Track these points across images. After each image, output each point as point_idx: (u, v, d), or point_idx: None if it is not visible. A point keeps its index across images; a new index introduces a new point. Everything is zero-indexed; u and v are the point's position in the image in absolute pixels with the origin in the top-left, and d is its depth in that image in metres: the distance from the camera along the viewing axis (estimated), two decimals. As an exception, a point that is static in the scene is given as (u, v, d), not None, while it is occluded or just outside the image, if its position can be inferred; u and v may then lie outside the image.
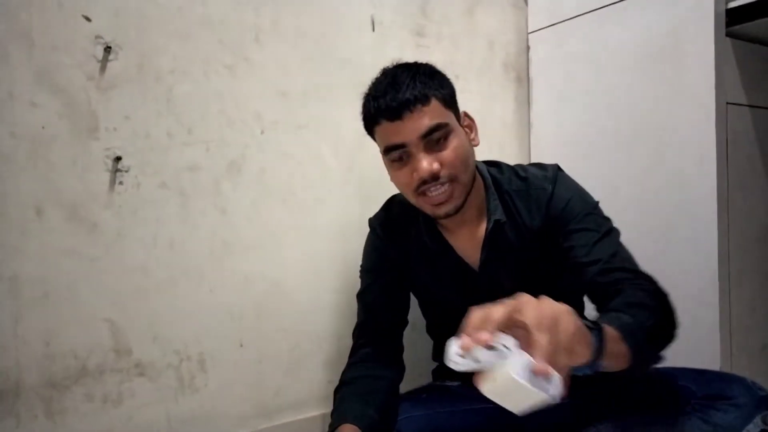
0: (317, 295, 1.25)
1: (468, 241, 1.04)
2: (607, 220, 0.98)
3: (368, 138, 1.31)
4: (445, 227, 1.06)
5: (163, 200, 1.07)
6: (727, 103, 1.20)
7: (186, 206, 1.10)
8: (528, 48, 1.60)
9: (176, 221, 1.09)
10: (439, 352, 1.21)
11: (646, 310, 0.79)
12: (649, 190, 1.31)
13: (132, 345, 1.04)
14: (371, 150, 1.32)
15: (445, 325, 1.14)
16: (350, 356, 1.10)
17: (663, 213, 1.25)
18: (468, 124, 1.00)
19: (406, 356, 1.13)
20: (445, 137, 0.92)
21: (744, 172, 1.24)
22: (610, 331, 0.70)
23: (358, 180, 1.31)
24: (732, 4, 1.19)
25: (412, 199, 0.98)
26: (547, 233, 1.00)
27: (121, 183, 1.03)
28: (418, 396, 1.09)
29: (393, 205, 1.13)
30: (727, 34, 1.20)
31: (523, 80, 1.62)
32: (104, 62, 1.01)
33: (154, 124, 1.06)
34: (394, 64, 0.99)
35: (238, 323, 1.15)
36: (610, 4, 1.37)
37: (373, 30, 1.34)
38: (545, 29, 1.55)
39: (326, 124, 1.27)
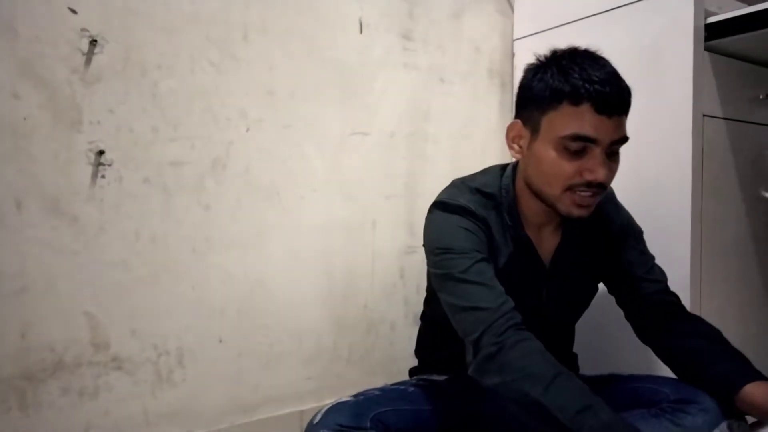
0: (299, 292, 1.26)
1: (545, 241, 1.04)
2: None
3: (354, 137, 1.34)
4: (528, 220, 1.02)
5: (145, 195, 1.07)
6: (704, 115, 1.23)
7: (169, 202, 1.10)
8: (513, 54, 1.62)
9: (159, 216, 1.09)
10: (431, 341, 1.19)
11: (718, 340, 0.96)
12: (625, 198, 1.33)
13: (110, 339, 1.04)
14: (356, 151, 1.34)
15: None
16: (520, 350, 0.84)
17: (638, 220, 1.28)
18: None
19: (385, 354, 1.13)
20: (618, 151, 0.92)
21: (718, 182, 1.27)
22: None
23: (341, 180, 1.32)
24: (711, 20, 1.22)
25: (556, 191, 0.91)
26: (604, 250, 1.06)
27: (103, 177, 1.03)
28: (405, 388, 1.08)
29: (467, 189, 1.01)
30: (706, 48, 1.23)
31: (507, 86, 1.64)
32: (89, 55, 1.01)
33: (139, 118, 1.06)
34: (584, 49, 0.92)
35: (218, 319, 1.15)
36: (592, 15, 1.39)
37: (361, 32, 1.35)
38: (530, 37, 1.57)
39: (312, 124, 1.27)
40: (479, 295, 0.89)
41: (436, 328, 1.18)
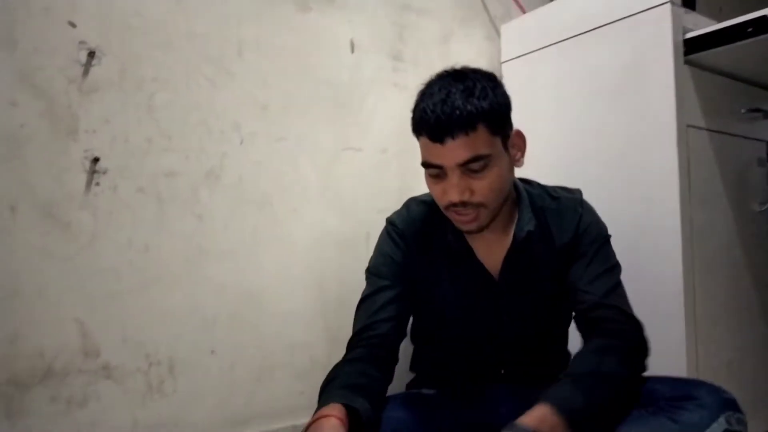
0: (291, 305, 1.25)
1: (491, 249, 1.05)
2: (614, 256, 1.05)
3: (346, 152, 1.36)
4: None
5: (139, 204, 1.08)
6: (688, 125, 1.26)
7: (162, 211, 1.11)
8: (501, 77, 1.66)
9: (152, 226, 1.09)
10: (420, 361, 1.20)
11: (614, 359, 0.91)
12: (615, 209, 1.34)
13: (101, 347, 1.03)
14: (348, 164, 1.36)
15: (441, 335, 1.14)
16: (343, 358, 1.02)
17: (629, 230, 1.29)
18: (517, 143, 1.00)
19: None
20: (484, 167, 0.91)
21: (705, 190, 1.29)
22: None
23: (334, 194, 1.33)
24: (689, 35, 1.27)
25: (443, 210, 0.99)
26: (568, 253, 1.05)
27: (97, 184, 1.04)
28: (394, 399, 1.08)
29: (414, 204, 1.11)
30: (686, 62, 1.27)
31: (497, 107, 1.67)
32: (87, 66, 1.04)
33: (134, 129, 1.08)
34: (454, 68, 0.96)
35: (210, 330, 1.15)
36: (574, 36, 1.44)
37: (352, 52, 1.39)
38: (516, 59, 1.62)
39: (305, 138, 1.30)
40: (357, 319, 1.06)
41: (420, 346, 1.19)
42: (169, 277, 1.11)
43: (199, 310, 1.14)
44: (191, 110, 1.15)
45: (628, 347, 0.95)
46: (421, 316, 1.16)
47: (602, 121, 1.38)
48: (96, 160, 1.03)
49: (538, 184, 1.12)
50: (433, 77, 0.97)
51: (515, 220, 1.05)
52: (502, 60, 1.66)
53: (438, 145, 0.90)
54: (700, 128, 1.30)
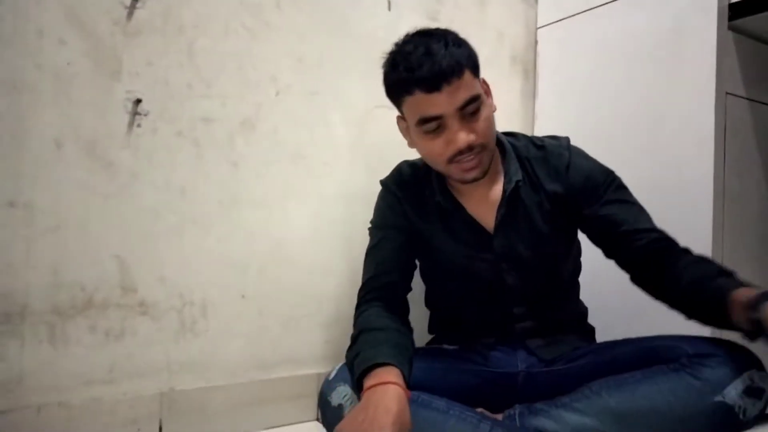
0: (319, 257, 1.28)
1: (481, 203, 1.07)
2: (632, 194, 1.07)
3: (378, 110, 1.37)
4: (457, 189, 1.09)
5: (177, 147, 1.11)
6: (727, 93, 1.25)
7: (199, 156, 1.13)
8: (536, 42, 1.65)
9: (189, 169, 1.12)
10: (437, 324, 1.23)
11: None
12: (648, 177, 1.34)
13: (137, 284, 1.06)
14: (379, 122, 1.37)
15: (449, 292, 1.16)
16: (360, 310, 1.06)
17: (660, 199, 1.28)
18: (486, 90, 1.03)
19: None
20: (478, 109, 0.96)
21: (740, 159, 1.28)
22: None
23: (364, 150, 1.34)
24: None
25: (441, 167, 1.01)
26: (567, 201, 1.05)
27: (139, 126, 1.07)
28: (416, 351, 1.10)
29: (404, 167, 1.16)
30: (729, 28, 1.25)
31: (530, 74, 1.67)
32: (131, 9, 1.06)
33: (175, 73, 1.10)
34: (417, 30, 0.99)
35: (241, 275, 1.17)
36: (614, 0, 1.42)
37: (389, 9, 1.39)
38: (553, 24, 1.60)
39: (338, 94, 1.31)
40: (365, 269, 1.11)
41: (434, 308, 1.21)
42: (203, 220, 1.13)
43: (231, 255, 1.16)
44: (229, 59, 1.17)
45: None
46: (427, 273, 1.19)
47: (640, 86, 1.36)
48: (138, 101, 1.06)
49: (523, 136, 1.13)
50: (398, 41, 0.99)
51: (501, 173, 1.07)
52: (539, 25, 1.64)
53: (435, 95, 0.92)
54: (739, 96, 1.28)
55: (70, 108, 1.00)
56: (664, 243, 1.00)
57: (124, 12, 1.05)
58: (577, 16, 1.52)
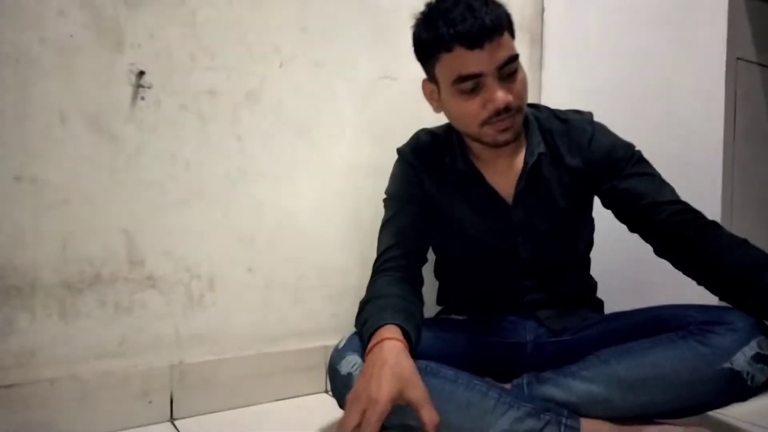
0: (326, 229, 1.27)
1: (502, 174, 1.06)
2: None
3: (383, 80, 1.35)
4: (479, 157, 1.07)
5: (182, 120, 1.10)
6: (737, 58, 1.22)
7: (204, 129, 1.12)
8: (543, 10, 1.62)
9: (194, 142, 1.11)
10: (446, 295, 1.23)
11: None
12: (658, 143, 1.32)
13: (145, 257, 1.07)
14: (385, 92, 1.35)
15: (460, 261, 1.16)
16: (373, 279, 1.05)
17: (668, 162, 1.26)
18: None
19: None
20: (516, 70, 0.95)
21: (750, 125, 1.26)
22: None
23: (369, 122, 1.33)
24: (747, -38, 1.21)
25: (474, 129, 0.98)
26: (587, 175, 1.04)
27: (143, 98, 1.06)
28: (425, 321, 1.10)
29: (422, 135, 1.14)
30: (741, -8, 1.22)
31: (537, 42, 1.64)
32: (132, -21, 1.04)
33: (178, 45, 1.09)
34: None
35: (248, 248, 1.18)
36: (626, -37, 1.39)
37: (393, -23, 1.36)
38: (562, -11, 1.57)
39: (342, 65, 1.29)
40: (381, 241, 1.09)
41: (444, 279, 1.21)
42: (209, 193, 1.13)
43: (237, 228, 1.16)
44: (232, 28, 1.15)
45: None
46: (439, 243, 1.18)
47: (649, 53, 1.34)
48: (141, 73, 1.05)
49: (546, 108, 1.12)
50: (430, 1, 0.97)
51: (524, 145, 1.06)
52: (546, -9, 1.61)
53: (477, 51, 0.90)
54: (750, 62, 1.25)
55: (73, 81, 1.00)
56: (688, 215, 0.98)
57: (125, -18, 1.04)
58: (584, -18, 1.49)
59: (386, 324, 0.88)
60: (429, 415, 0.77)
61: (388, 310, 0.93)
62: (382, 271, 1.06)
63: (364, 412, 0.76)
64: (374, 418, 0.75)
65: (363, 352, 0.90)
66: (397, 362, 0.81)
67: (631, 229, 1.05)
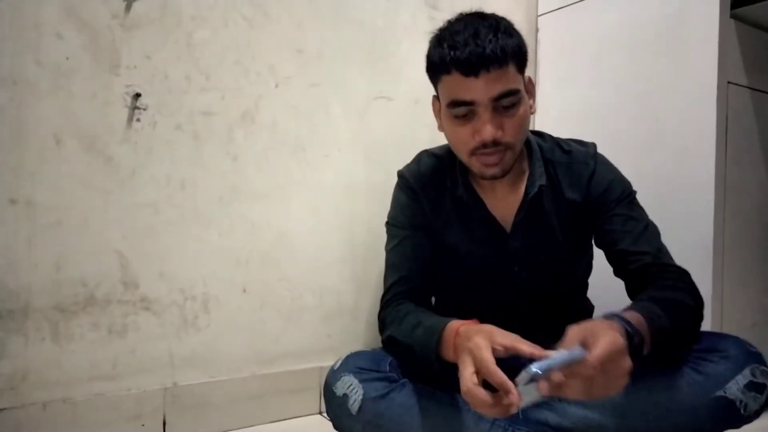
0: (321, 249, 1.27)
1: (502, 202, 1.05)
2: (644, 210, 1.04)
3: (379, 101, 1.36)
4: (481, 185, 1.06)
5: (177, 141, 1.10)
6: (728, 82, 1.24)
7: (199, 149, 1.12)
8: (537, 30, 1.64)
9: (189, 163, 1.11)
10: (440, 313, 1.22)
11: (685, 309, 0.88)
12: (649, 165, 1.34)
13: (139, 279, 1.06)
14: (380, 113, 1.36)
15: (455, 286, 1.16)
16: (388, 310, 1.01)
17: (661, 187, 1.28)
18: (530, 90, 0.98)
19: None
20: (514, 104, 0.91)
21: (741, 148, 1.27)
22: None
23: (365, 143, 1.34)
24: (737, -13, 1.23)
25: (464, 156, 0.97)
26: (584, 210, 1.04)
27: (138, 120, 1.06)
28: None
29: (424, 157, 1.12)
30: (732, 16, 1.24)
31: (531, 61, 1.64)
32: (129, 2, 1.04)
33: (173, 66, 1.09)
34: (473, 11, 0.96)
35: (242, 269, 1.17)
36: (619, -14, 1.41)
37: (389, -3, 1.37)
38: (555, 12, 1.58)
39: (338, 85, 1.30)
40: (389, 272, 1.06)
41: (439, 300, 1.21)
42: (204, 214, 1.13)
43: (231, 249, 1.16)
44: (228, 50, 1.15)
45: (693, 292, 0.93)
46: (437, 268, 1.17)
47: (641, 75, 1.35)
48: (137, 95, 1.05)
49: (550, 137, 1.10)
50: (452, 18, 0.96)
51: (526, 173, 1.05)
52: (540, 12, 1.63)
53: (471, 79, 0.88)
54: (741, 85, 1.27)
55: (69, 103, 0.99)
56: (654, 269, 0.95)
57: (122, 4, 1.04)
58: (578, 3, 1.51)
59: (446, 324, 0.87)
60: (528, 347, 0.79)
61: (433, 316, 0.93)
62: (397, 301, 1.03)
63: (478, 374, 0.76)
64: (490, 366, 0.76)
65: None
66: (477, 325, 0.83)
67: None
